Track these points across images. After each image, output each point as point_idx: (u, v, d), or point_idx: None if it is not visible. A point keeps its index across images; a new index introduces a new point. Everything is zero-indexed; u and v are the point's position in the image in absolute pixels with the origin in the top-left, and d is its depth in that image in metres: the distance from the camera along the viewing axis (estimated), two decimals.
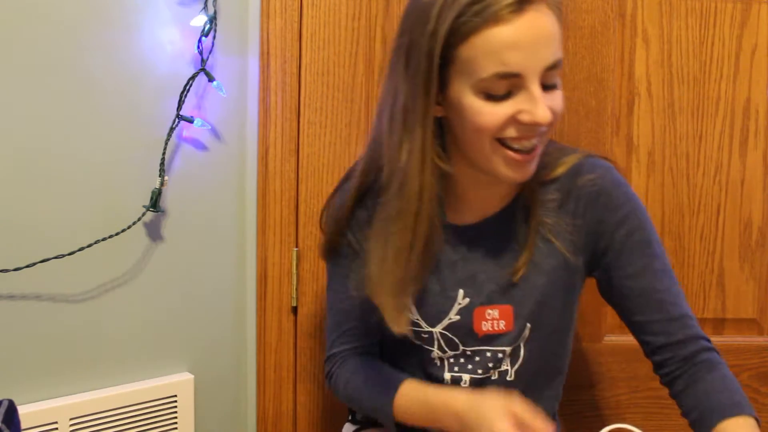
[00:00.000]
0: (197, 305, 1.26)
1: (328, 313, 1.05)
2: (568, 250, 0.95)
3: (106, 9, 1.11)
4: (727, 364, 0.94)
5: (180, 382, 1.22)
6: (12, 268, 1.05)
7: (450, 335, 0.97)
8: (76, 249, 1.10)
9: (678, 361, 0.94)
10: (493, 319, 0.96)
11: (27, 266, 1.06)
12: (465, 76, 0.83)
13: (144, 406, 1.17)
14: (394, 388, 0.95)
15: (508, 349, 0.97)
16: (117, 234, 1.14)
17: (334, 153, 1.30)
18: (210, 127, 1.24)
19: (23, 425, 1.03)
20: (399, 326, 0.92)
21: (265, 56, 1.26)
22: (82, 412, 1.11)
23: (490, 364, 0.97)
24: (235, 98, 1.27)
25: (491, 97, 0.82)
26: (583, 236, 0.95)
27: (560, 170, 0.95)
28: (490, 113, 0.82)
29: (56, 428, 1.08)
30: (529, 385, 0.99)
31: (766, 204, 1.36)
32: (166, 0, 1.16)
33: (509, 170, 0.86)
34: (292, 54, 1.26)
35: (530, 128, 0.83)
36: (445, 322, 0.97)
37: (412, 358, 1.01)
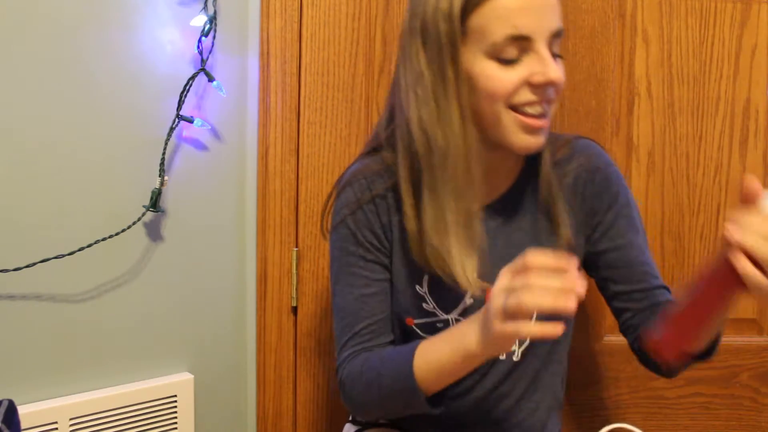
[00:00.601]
0: (197, 305, 1.26)
1: (336, 317, 1.00)
2: (571, 230, 0.98)
3: (106, 9, 1.11)
4: None
5: (180, 382, 1.22)
6: (12, 268, 1.05)
7: (463, 320, 0.97)
8: (76, 249, 1.10)
9: (654, 315, 0.99)
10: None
11: (27, 266, 1.06)
12: (476, 44, 0.86)
13: (144, 406, 1.18)
14: (410, 351, 0.89)
15: None
16: (117, 234, 1.14)
17: (334, 153, 1.30)
18: (210, 127, 1.24)
19: (23, 425, 1.03)
20: (473, 286, 0.92)
21: (265, 56, 1.26)
22: (82, 412, 1.11)
23: None
24: (235, 98, 1.27)
25: (503, 61, 0.85)
26: (583, 215, 0.99)
27: (560, 155, 0.99)
28: (502, 77, 0.85)
29: (56, 428, 1.09)
30: (535, 363, 1.00)
31: None
32: (166, 0, 1.16)
33: (524, 136, 0.88)
34: (292, 54, 1.26)
35: (543, 90, 0.85)
36: (461, 307, 0.97)
37: None
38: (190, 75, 1.18)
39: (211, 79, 1.20)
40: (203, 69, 1.19)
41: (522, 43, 0.84)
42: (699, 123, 1.34)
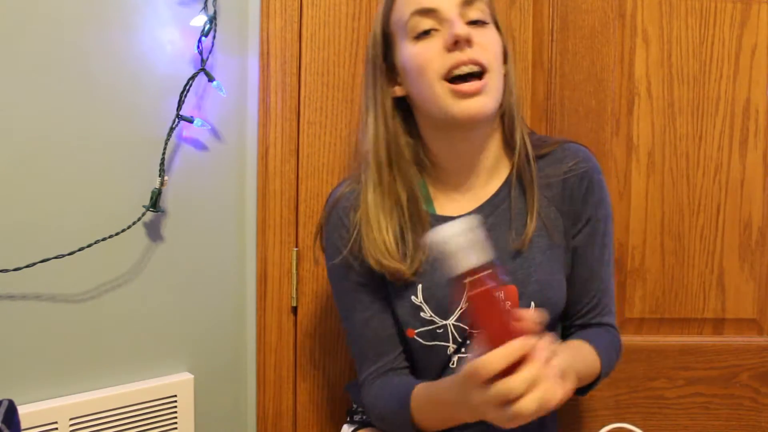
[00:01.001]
0: (197, 305, 1.26)
1: (348, 338, 1.07)
2: (557, 230, 1.00)
3: (106, 9, 1.11)
4: (616, 340, 1.05)
5: (180, 382, 1.22)
6: (12, 268, 1.05)
7: (462, 325, 0.98)
8: (76, 249, 1.10)
9: (574, 325, 1.05)
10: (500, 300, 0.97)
11: (27, 266, 1.06)
12: (399, 36, 0.95)
13: (144, 406, 1.17)
14: (407, 401, 0.93)
15: None
16: (117, 234, 1.14)
17: (334, 153, 1.29)
18: (210, 127, 1.24)
19: (23, 425, 1.03)
20: (401, 265, 0.96)
21: (265, 56, 1.26)
22: (82, 412, 1.11)
23: None
24: (235, 98, 1.27)
25: (418, 37, 0.92)
26: (571, 217, 1.01)
27: (545, 150, 1.02)
28: (423, 51, 0.92)
29: (56, 428, 1.08)
30: None
31: (766, 204, 1.36)
32: (166, 0, 1.16)
33: (460, 102, 0.91)
34: (292, 54, 1.26)
35: (459, 48, 0.90)
36: (457, 312, 0.98)
37: (432, 365, 1.02)
38: (190, 75, 1.18)
39: (211, 79, 1.20)
40: (203, 69, 1.19)
41: (431, 15, 0.91)
42: (699, 123, 1.34)
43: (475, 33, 0.91)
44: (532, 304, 0.98)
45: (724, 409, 1.38)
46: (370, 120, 0.99)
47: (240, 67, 1.27)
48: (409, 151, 0.99)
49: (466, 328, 0.98)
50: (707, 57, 1.33)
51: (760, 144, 1.35)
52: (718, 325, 1.38)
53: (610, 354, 1.01)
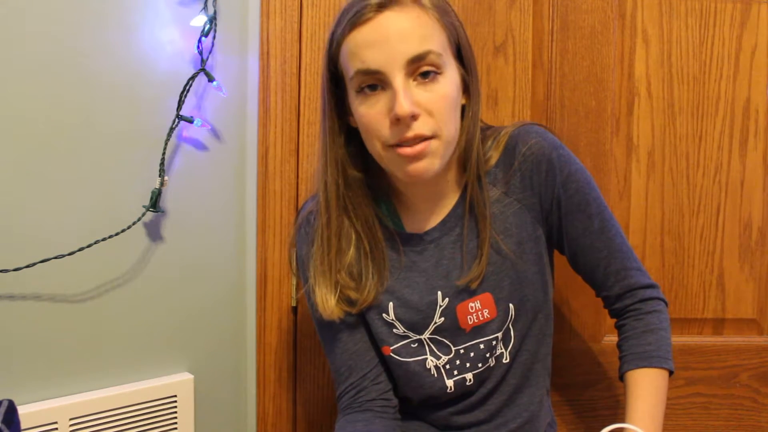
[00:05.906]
0: (197, 305, 1.26)
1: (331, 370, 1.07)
2: (525, 226, 0.97)
3: (106, 9, 1.11)
4: (662, 311, 1.01)
5: (180, 382, 1.22)
6: (12, 268, 1.05)
7: (439, 338, 0.98)
8: (76, 249, 1.10)
9: (617, 314, 1.03)
10: (477, 310, 0.97)
11: (27, 266, 1.06)
12: (346, 79, 0.89)
13: (144, 406, 1.18)
14: None
15: (499, 334, 0.98)
16: (117, 234, 1.14)
17: None
18: (210, 127, 1.24)
19: (23, 425, 1.03)
20: (331, 311, 0.97)
21: (265, 56, 1.26)
22: (82, 412, 1.11)
23: (487, 354, 0.99)
24: (235, 98, 1.27)
25: (364, 96, 0.87)
26: (537, 206, 0.97)
27: (496, 155, 0.97)
28: (369, 114, 0.87)
29: (56, 428, 1.09)
30: (524, 362, 1.01)
31: (766, 204, 1.36)
32: (166, 0, 1.16)
33: (406, 166, 0.88)
34: (292, 54, 1.26)
35: (404, 124, 0.85)
36: (432, 327, 0.98)
37: (410, 382, 1.02)
38: (190, 75, 1.18)
39: (211, 79, 1.20)
40: (203, 69, 1.19)
41: (376, 76, 0.85)
42: (699, 123, 1.34)
43: (422, 96, 0.85)
44: (511, 306, 0.97)
45: (724, 409, 1.38)
46: (324, 152, 0.95)
47: (240, 67, 1.27)
48: (362, 185, 0.96)
49: (444, 340, 0.98)
50: (707, 57, 1.33)
51: (760, 144, 1.35)
52: (718, 325, 1.38)
53: (662, 347, 0.97)
